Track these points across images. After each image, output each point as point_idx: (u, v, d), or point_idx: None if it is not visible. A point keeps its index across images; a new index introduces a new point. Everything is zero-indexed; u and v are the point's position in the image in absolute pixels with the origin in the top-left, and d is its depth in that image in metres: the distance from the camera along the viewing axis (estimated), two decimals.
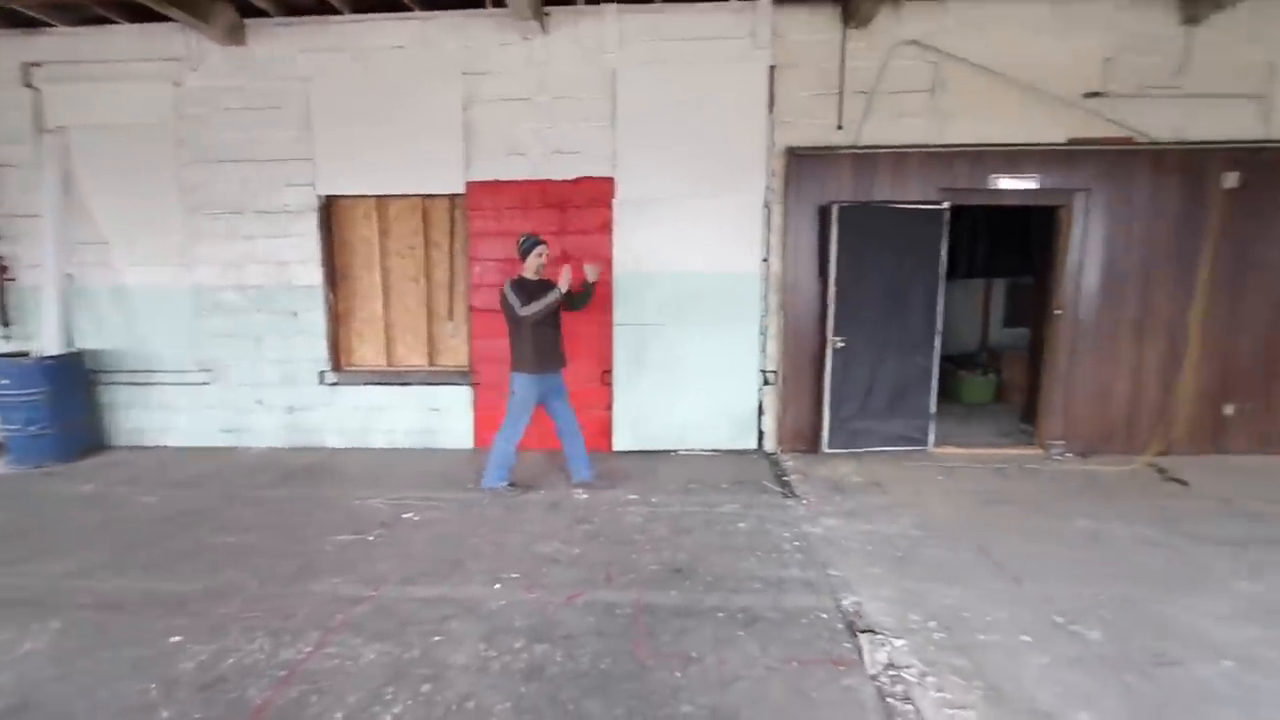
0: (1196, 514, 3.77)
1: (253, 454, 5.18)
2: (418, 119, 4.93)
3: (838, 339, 4.72)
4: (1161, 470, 4.55)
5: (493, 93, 4.92)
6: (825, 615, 2.70)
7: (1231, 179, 4.63)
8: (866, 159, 4.77)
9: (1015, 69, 4.68)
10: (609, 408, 5.06)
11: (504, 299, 3.98)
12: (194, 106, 5.06)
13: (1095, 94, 4.69)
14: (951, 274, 7.11)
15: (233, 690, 2.25)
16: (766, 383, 5.04)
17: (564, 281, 3.97)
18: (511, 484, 4.20)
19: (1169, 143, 4.66)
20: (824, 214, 4.74)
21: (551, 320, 4.06)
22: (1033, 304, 5.61)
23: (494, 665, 2.39)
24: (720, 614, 2.72)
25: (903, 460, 4.78)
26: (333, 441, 5.32)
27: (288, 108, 5.02)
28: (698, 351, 4.98)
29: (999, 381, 6.61)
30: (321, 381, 5.27)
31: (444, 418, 5.26)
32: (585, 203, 4.95)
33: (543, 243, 4.11)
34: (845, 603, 2.80)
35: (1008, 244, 6.82)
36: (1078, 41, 4.67)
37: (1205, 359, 4.82)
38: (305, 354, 5.25)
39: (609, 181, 4.91)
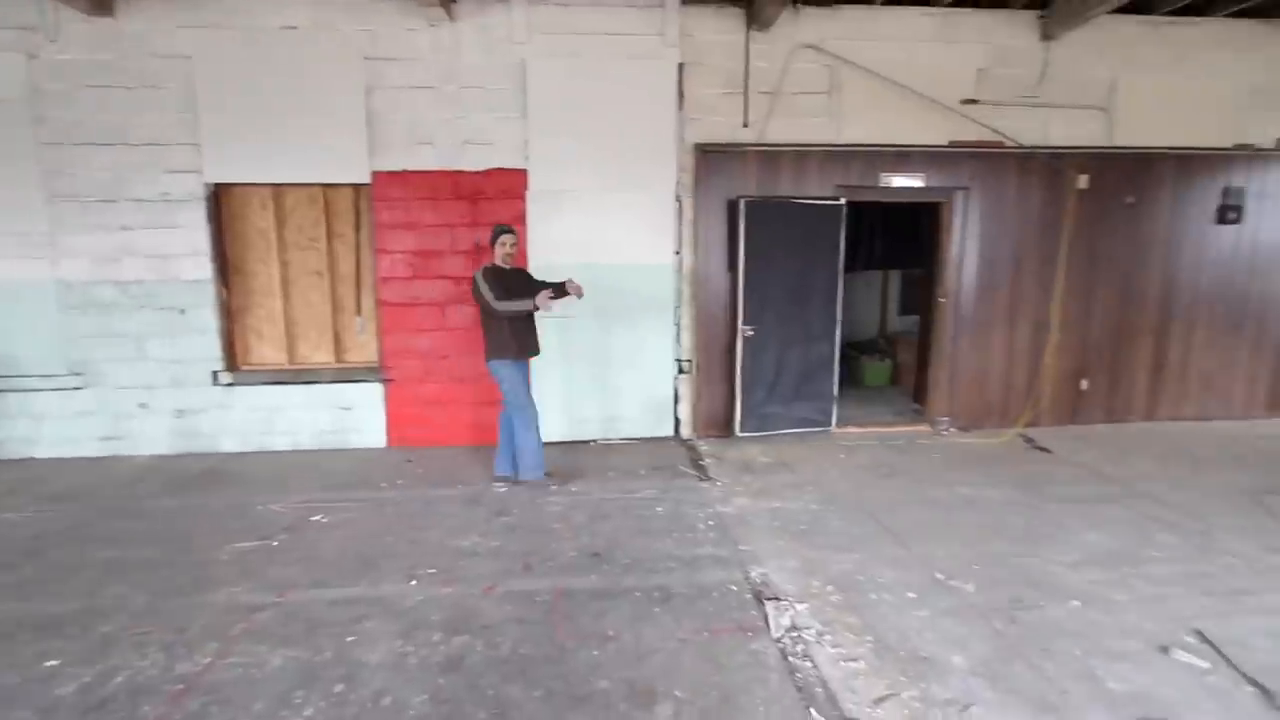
0: (1056, 477, 4.26)
1: (137, 462, 4.79)
2: (316, 104, 4.70)
3: (747, 328, 4.94)
4: (1030, 440, 5.10)
5: (398, 80, 4.76)
6: (735, 587, 2.86)
7: (1083, 180, 5.22)
8: (771, 156, 5.01)
9: (903, 75, 5.05)
10: None
11: (476, 289, 3.90)
12: (54, 82, 4.58)
13: (971, 101, 5.14)
14: (853, 266, 7.59)
15: (121, 710, 2.12)
16: (682, 371, 5.20)
17: (543, 301, 3.85)
18: (548, 474, 4.16)
19: (1032, 147, 5.18)
20: (732, 208, 4.94)
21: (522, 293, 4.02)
22: (922, 293, 6.09)
23: (411, 660, 2.37)
24: (638, 593, 2.82)
25: (808, 441, 5.08)
26: (229, 446, 5.00)
27: (166, 88, 4.64)
28: (615, 343, 5.07)
29: (895, 365, 7.13)
30: (215, 382, 4.94)
31: (354, 416, 5.07)
32: (498, 194, 4.90)
33: (510, 231, 4.05)
34: (754, 574, 2.98)
35: (901, 238, 7.34)
36: (956, 52, 5.10)
37: (1064, 341, 5.43)
38: (196, 353, 4.90)
39: (521, 173, 4.88)
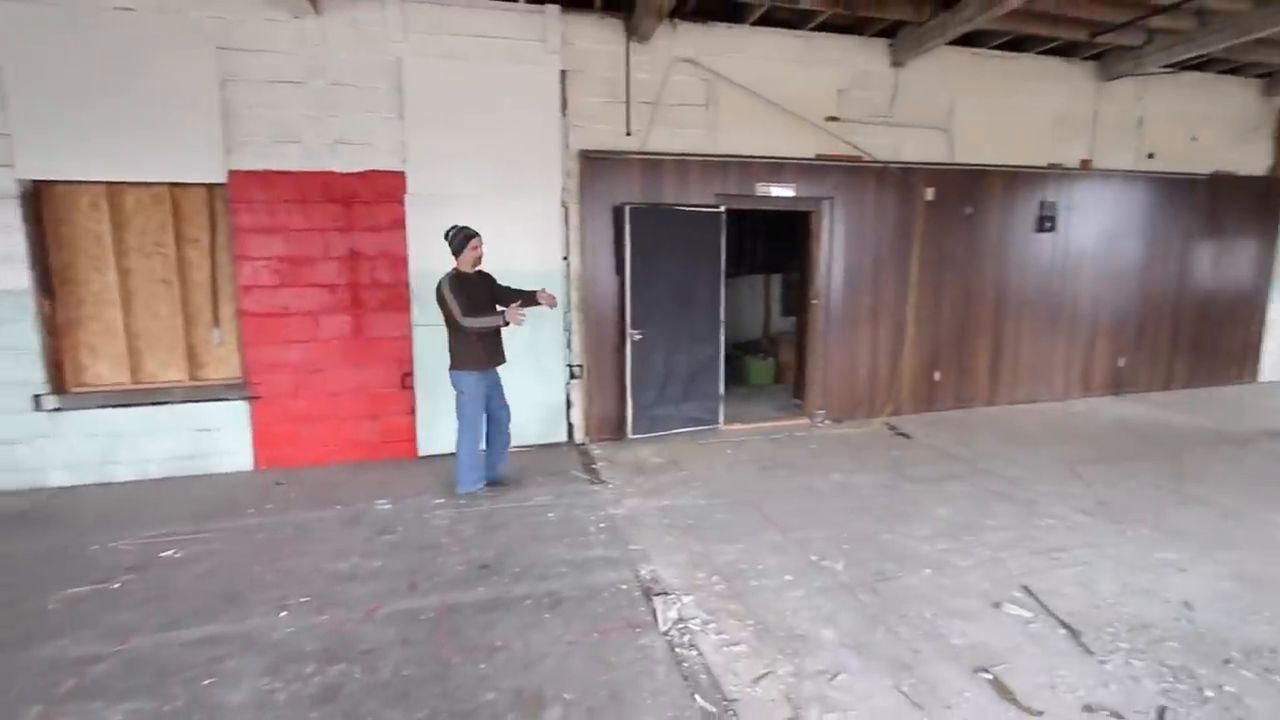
0: (915, 460, 4.71)
1: None
2: (160, 96, 4.25)
3: (636, 332, 5.05)
4: (893, 428, 5.60)
5: (258, 73, 4.42)
6: (625, 586, 2.92)
7: (930, 193, 5.83)
8: (654, 164, 5.16)
9: (773, 92, 5.38)
10: (411, 412, 4.86)
11: (442, 299, 3.81)
12: None
13: (833, 118, 5.57)
14: (738, 270, 7.99)
15: None
16: (573, 376, 5.22)
17: (515, 316, 3.77)
18: (491, 482, 4.15)
19: (887, 162, 5.70)
20: (618, 214, 5.03)
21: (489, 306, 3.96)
22: (799, 296, 6.51)
23: (279, 696, 2.21)
24: (527, 601, 2.80)
25: (698, 439, 5.27)
26: (59, 479, 4.39)
27: None
28: (507, 350, 4.98)
29: (777, 364, 7.56)
30: (38, 408, 4.32)
31: (215, 439, 4.62)
32: (374, 198, 4.67)
33: (477, 234, 3.93)
34: (644, 572, 3.05)
35: (781, 243, 7.82)
36: (819, 74, 5.51)
37: (919, 337, 6.02)
38: (11, 375, 4.26)
39: (399, 176, 4.69)
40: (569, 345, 5.18)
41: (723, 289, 5.35)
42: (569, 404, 5.23)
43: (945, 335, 6.12)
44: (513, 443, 5.06)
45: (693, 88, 5.25)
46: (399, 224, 4.70)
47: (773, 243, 7.83)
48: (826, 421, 5.78)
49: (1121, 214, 6.54)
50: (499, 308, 3.91)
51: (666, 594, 2.84)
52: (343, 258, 4.67)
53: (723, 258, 5.30)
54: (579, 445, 5.18)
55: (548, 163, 4.94)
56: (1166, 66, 6.16)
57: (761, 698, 2.16)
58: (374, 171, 4.65)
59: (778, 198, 5.50)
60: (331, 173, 4.59)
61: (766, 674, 2.29)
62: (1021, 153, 6.11)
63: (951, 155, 5.93)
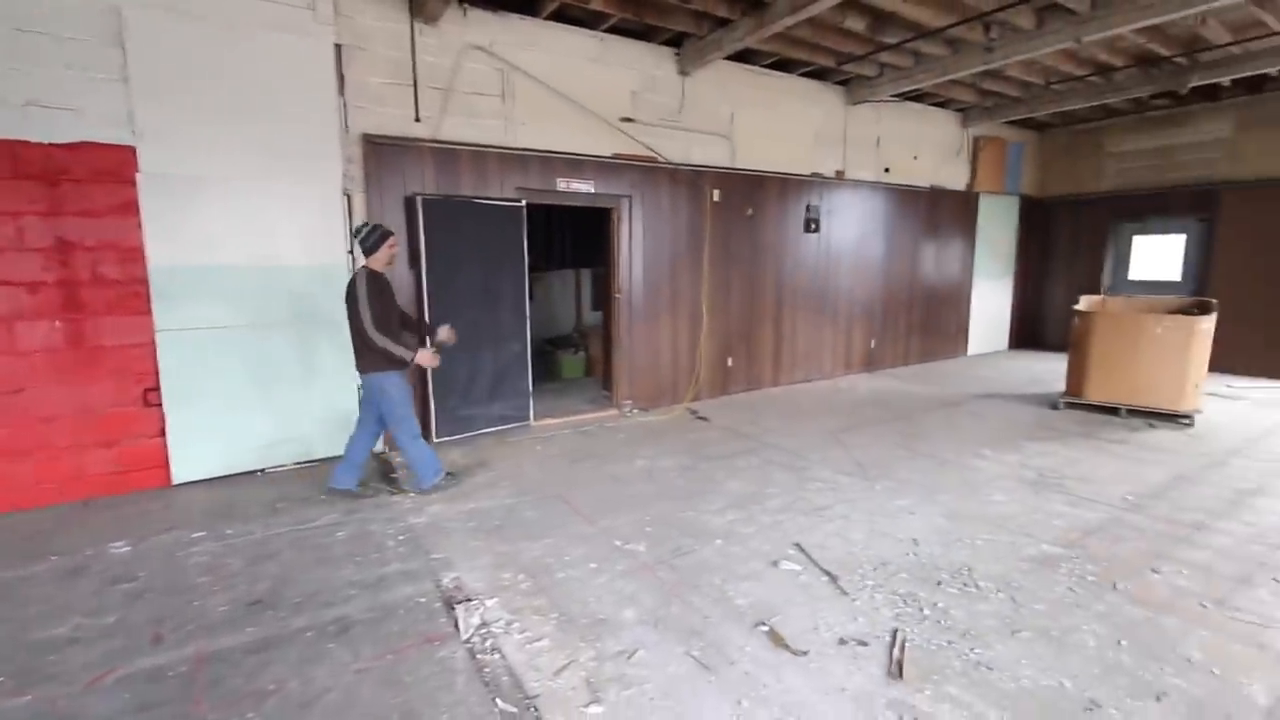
0: (711, 440, 5.11)
1: None
2: None
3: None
4: (694, 412, 6.02)
5: None
6: (424, 599, 2.76)
7: (717, 194, 6.34)
8: (448, 154, 4.92)
9: (571, 89, 5.43)
10: (161, 434, 4.09)
11: (354, 299, 3.64)
12: None
13: (628, 119, 5.80)
14: (549, 265, 7.98)
15: None
16: None
17: (427, 360, 3.83)
18: (449, 474, 4.07)
19: (678, 164, 6.08)
20: (410, 206, 4.72)
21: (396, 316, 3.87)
22: (605, 290, 6.69)
23: None
24: (309, 633, 2.52)
25: (508, 437, 5.18)
26: None
27: None
28: (282, 355, 4.43)
29: (588, 357, 7.71)
30: None
31: None
32: (90, 176, 3.83)
33: (393, 233, 3.79)
34: (445, 581, 2.91)
35: (589, 238, 7.96)
36: (613, 75, 5.69)
37: (714, 328, 6.54)
38: None
39: (127, 151, 3.90)
40: None
41: (527, 284, 5.29)
42: None
43: (735, 324, 6.73)
44: (296, 458, 4.56)
45: (488, 77, 5.10)
46: (129, 209, 3.92)
47: (581, 238, 7.94)
48: (634, 411, 6.03)
49: (868, 218, 7.72)
50: (401, 347, 3.70)
51: (469, 600, 2.74)
52: (47, 249, 3.77)
53: (525, 253, 5.24)
54: (378, 454, 4.78)
55: (323, 146, 4.46)
56: (895, 96, 7.40)
57: (563, 688, 2.18)
58: (88, 144, 3.81)
59: (579, 194, 5.58)
60: (24, 142, 3.67)
61: (569, 664, 2.32)
62: (790, 161, 6.91)
63: (734, 161, 6.51)
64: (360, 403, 4.15)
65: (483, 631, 2.52)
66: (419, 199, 4.65)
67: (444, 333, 4.03)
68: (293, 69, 4.31)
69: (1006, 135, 9.13)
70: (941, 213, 8.51)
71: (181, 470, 4.17)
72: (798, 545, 3.25)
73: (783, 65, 6.60)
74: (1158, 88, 6.86)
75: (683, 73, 6.03)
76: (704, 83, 6.18)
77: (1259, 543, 3.20)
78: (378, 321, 3.62)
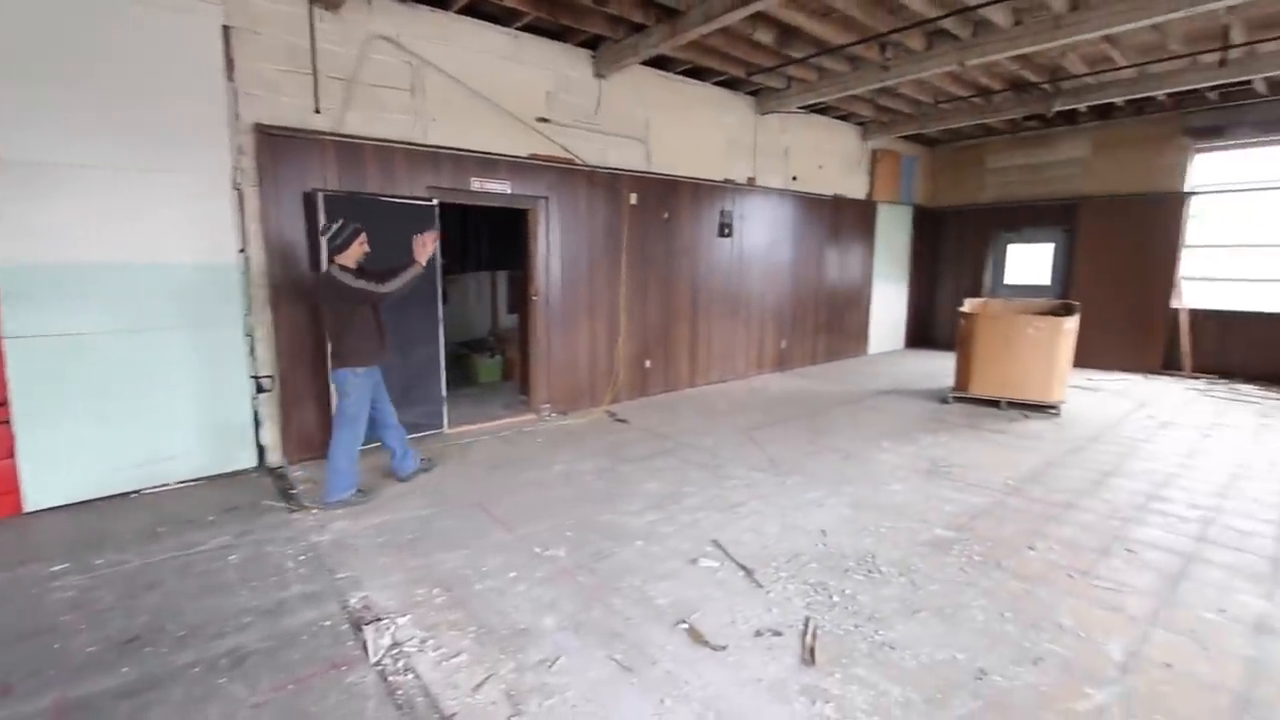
0: (629, 442, 5.14)
1: None
2: None
3: None
4: (613, 415, 6.03)
5: None
6: (329, 622, 2.59)
7: (634, 198, 6.39)
8: (352, 149, 4.67)
9: (484, 86, 5.30)
10: (10, 455, 3.61)
11: (337, 285, 3.68)
12: None
13: (544, 120, 5.73)
14: (463, 267, 7.74)
15: None
16: (262, 390, 4.46)
17: (424, 253, 3.84)
18: (360, 490, 3.89)
19: (596, 166, 6.08)
20: (311, 203, 4.44)
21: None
22: (522, 293, 6.58)
23: None
24: (196, 669, 2.30)
25: (421, 446, 4.96)
26: None
27: None
28: (157, 363, 4.03)
29: (505, 361, 7.55)
30: None
31: None
32: None
33: (363, 230, 3.83)
34: (352, 602, 2.75)
35: (505, 240, 7.80)
36: (529, 73, 5.60)
37: (632, 330, 6.58)
38: None
39: None
40: (253, 353, 4.41)
41: (440, 287, 5.11)
42: (258, 422, 4.46)
43: (653, 327, 6.81)
44: (180, 476, 4.18)
45: (396, 70, 4.88)
46: None
47: (497, 240, 7.77)
48: (553, 414, 5.96)
49: (778, 224, 8.04)
50: (405, 271, 3.83)
51: (379, 620, 2.60)
52: None
53: (438, 254, 5.05)
54: (274, 469, 4.46)
55: (209, 135, 4.11)
56: (801, 108, 7.76)
57: (482, 704, 2.12)
58: None
59: (494, 194, 5.45)
60: None
61: (488, 678, 2.25)
62: (704, 167, 7.08)
63: (650, 165, 6.59)
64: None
65: (394, 652, 2.40)
66: (320, 195, 4.38)
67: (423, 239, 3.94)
68: (174, 50, 3.94)
69: (901, 149, 9.79)
70: (844, 220, 9.00)
71: (37, 495, 3.70)
72: (715, 542, 3.33)
73: (696, 73, 6.75)
74: (1028, 110, 7.59)
75: (599, 75, 6.04)
76: (620, 86, 6.21)
77: (1115, 518, 3.61)
78: (380, 280, 3.77)
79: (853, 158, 9.05)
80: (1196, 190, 8.01)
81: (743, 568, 3.06)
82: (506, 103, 5.44)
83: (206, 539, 3.35)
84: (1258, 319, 7.70)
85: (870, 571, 3.00)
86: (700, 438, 5.25)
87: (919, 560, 3.11)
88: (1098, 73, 6.68)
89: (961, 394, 6.40)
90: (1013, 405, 6.13)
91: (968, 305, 6.65)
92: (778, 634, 2.50)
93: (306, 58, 4.47)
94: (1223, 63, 6.11)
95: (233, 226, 4.25)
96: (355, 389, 3.79)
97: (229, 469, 4.32)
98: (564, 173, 5.87)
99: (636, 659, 2.35)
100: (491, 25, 5.31)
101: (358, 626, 2.56)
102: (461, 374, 7.28)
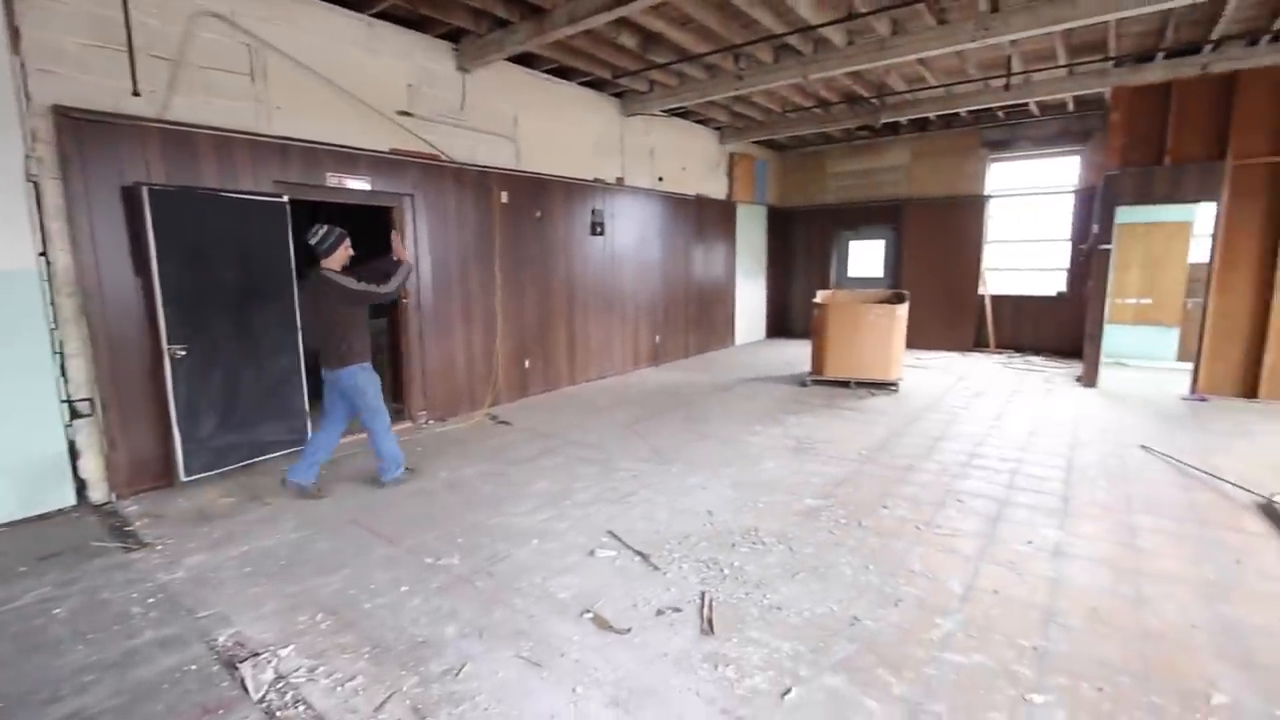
0: (514, 444, 5.09)
1: None
2: None
3: (177, 348, 4.02)
4: (494, 417, 5.92)
5: None
6: (194, 666, 2.33)
7: (505, 196, 6.29)
8: (183, 138, 4.15)
9: (339, 76, 4.93)
10: None
11: (341, 289, 3.84)
12: None
13: (406, 113, 5.46)
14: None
15: None
16: (77, 415, 3.84)
17: (405, 251, 4.22)
18: (408, 468, 4.25)
19: (464, 163, 5.91)
20: (132, 198, 3.89)
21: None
22: None
23: None
24: None
25: (285, 465, 4.55)
26: None
27: None
28: None
29: (375, 367, 7.07)
30: None
31: None
32: None
33: (347, 234, 3.99)
34: (221, 640, 2.49)
35: (364, 240, 7.27)
36: (388, 64, 5.30)
37: (509, 331, 6.49)
38: None
39: None
40: (64, 373, 3.78)
41: (296, 290, 4.70)
42: (75, 453, 3.84)
43: (530, 326, 6.76)
44: None
45: (233, 52, 4.40)
46: None
47: (357, 239, 7.23)
48: (431, 421, 5.72)
49: (647, 223, 8.30)
50: (398, 274, 4.10)
51: (257, 655, 2.38)
52: None
53: (292, 255, 4.65)
54: (100, 506, 3.86)
55: None
56: (664, 111, 8.08)
57: None
58: None
59: (353, 191, 5.11)
60: None
61: (390, 696, 2.16)
62: (574, 167, 7.13)
63: (519, 163, 6.51)
64: (326, 400, 4.09)
65: (279, 686, 2.22)
66: (144, 189, 3.85)
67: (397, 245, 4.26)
68: None
69: (755, 153, 10.52)
70: (707, 219, 9.50)
71: None
72: (610, 532, 3.42)
73: (563, 73, 6.78)
74: (860, 121, 8.50)
75: (462, 69, 5.86)
76: (486, 82, 6.08)
77: (946, 475, 4.20)
78: (379, 283, 3.95)
79: (712, 160, 9.57)
80: (993, 194, 9.45)
81: (639, 553, 3.17)
82: (364, 94, 5.12)
83: (20, 593, 2.84)
84: (1041, 301, 9.27)
85: (754, 544, 3.25)
86: (585, 434, 5.32)
87: (795, 528, 3.42)
88: (914, 90, 7.65)
89: (818, 377, 7.04)
90: (860, 385, 6.86)
91: (819, 297, 7.33)
92: (678, 610, 2.65)
93: (118, 33, 3.90)
94: (1007, 87, 7.27)
95: (28, 225, 3.62)
96: (370, 381, 4.04)
97: (39, 512, 3.67)
98: (429, 169, 5.65)
99: (544, 653, 2.38)
100: (341, 10, 4.96)
101: (232, 665, 2.33)
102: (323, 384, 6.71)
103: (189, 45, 4.19)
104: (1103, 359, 6.94)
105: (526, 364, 6.71)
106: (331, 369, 3.98)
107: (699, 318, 9.57)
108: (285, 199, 4.58)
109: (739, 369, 8.41)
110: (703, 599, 2.72)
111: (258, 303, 4.45)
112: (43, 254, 3.67)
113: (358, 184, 5.13)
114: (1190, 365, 6.59)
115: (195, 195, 4.12)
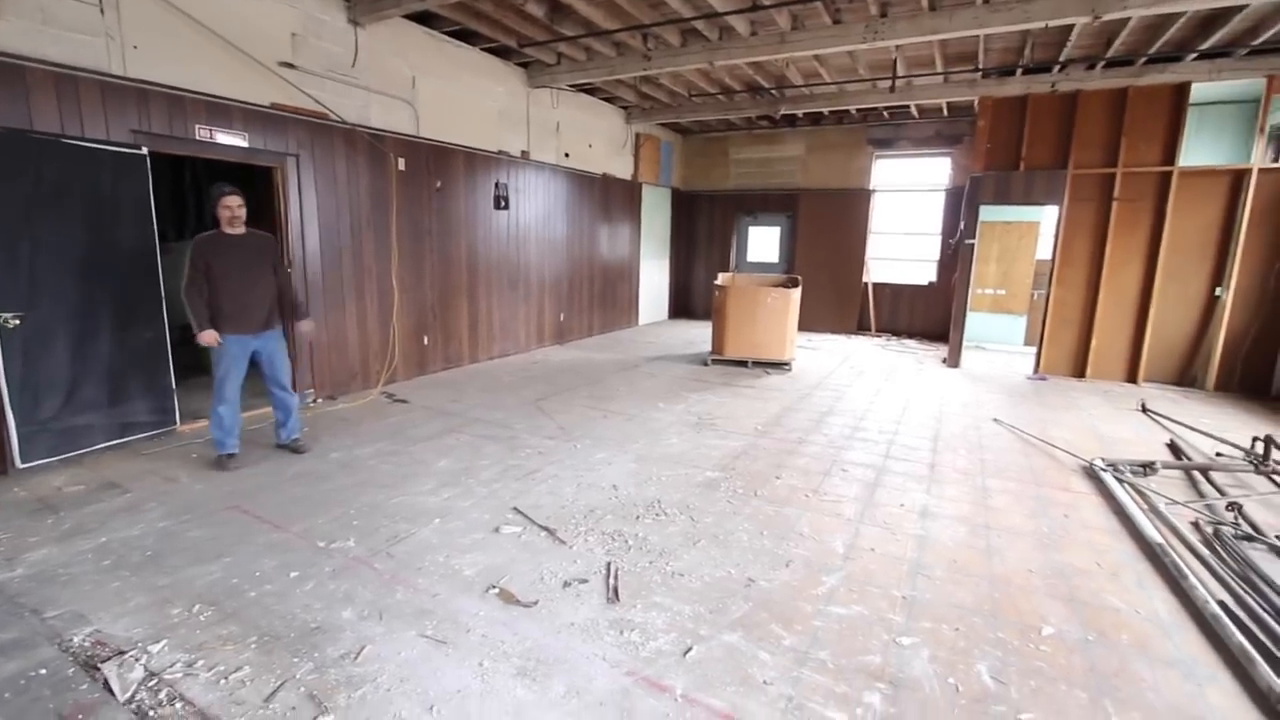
0: (414, 422, 4.90)
1: None
2: None
3: (9, 315, 3.50)
4: (391, 395, 5.66)
5: None
6: (45, 670, 2.09)
7: (401, 163, 5.95)
8: (9, 72, 3.57)
9: (209, 16, 4.42)
10: None
11: (278, 248, 4.12)
12: None
13: (289, 65, 5.00)
14: (182, 234, 6.44)
15: None
16: None
17: (207, 339, 3.78)
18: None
19: (355, 125, 5.51)
20: None
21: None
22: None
23: None
24: None
25: (144, 449, 4.12)
26: None
27: None
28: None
29: None
30: None
31: None
32: None
33: (231, 191, 3.86)
34: (77, 640, 2.24)
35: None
36: (268, 9, 4.81)
37: (406, 305, 6.19)
38: None
39: None
40: None
41: (158, 255, 4.22)
42: None
43: (429, 301, 6.49)
44: None
45: None
46: None
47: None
48: (319, 400, 5.37)
49: (553, 199, 8.18)
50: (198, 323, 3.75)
51: (121, 654, 2.17)
52: None
53: (153, 215, 4.16)
54: None
55: None
56: (571, 86, 7.94)
57: (280, 711, 1.94)
58: None
59: (226, 147, 4.63)
60: None
61: (282, 684, 2.05)
62: (477, 137, 6.87)
63: (418, 129, 6.18)
64: (240, 365, 3.95)
65: (152, 684, 2.04)
66: None
67: (303, 326, 4.27)
68: None
69: (660, 135, 10.61)
70: (612, 198, 9.50)
71: None
72: (515, 509, 3.40)
73: (466, 36, 6.47)
74: (760, 111, 8.81)
75: (354, 22, 5.44)
76: (381, 39, 5.68)
77: (832, 447, 4.55)
78: (189, 281, 3.71)
79: (618, 139, 9.55)
80: (877, 189, 10.16)
81: (544, 529, 3.19)
82: (239, 40, 4.63)
83: None
84: (915, 289, 10.14)
85: (657, 515, 3.37)
86: (489, 412, 5.22)
87: (695, 499, 3.57)
88: (810, 85, 8.03)
89: (718, 356, 7.32)
90: (757, 364, 7.21)
91: (720, 279, 7.59)
92: (584, 581, 2.70)
93: None
94: (892, 89, 7.81)
95: None
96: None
97: None
98: (317, 129, 5.23)
99: (450, 630, 2.35)
100: None
101: (92, 666, 2.11)
102: (193, 360, 6.10)
103: None
104: (965, 343, 7.74)
105: (425, 340, 6.45)
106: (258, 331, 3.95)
107: (603, 296, 9.60)
108: (145, 151, 4.07)
109: (643, 348, 8.55)
110: (608, 569, 2.79)
111: (111, 268, 3.96)
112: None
113: (232, 139, 4.65)
114: (1034, 349, 7.51)
115: (26, 139, 3.57)
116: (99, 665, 2.11)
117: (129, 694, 1.99)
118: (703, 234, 11.69)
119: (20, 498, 3.38)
